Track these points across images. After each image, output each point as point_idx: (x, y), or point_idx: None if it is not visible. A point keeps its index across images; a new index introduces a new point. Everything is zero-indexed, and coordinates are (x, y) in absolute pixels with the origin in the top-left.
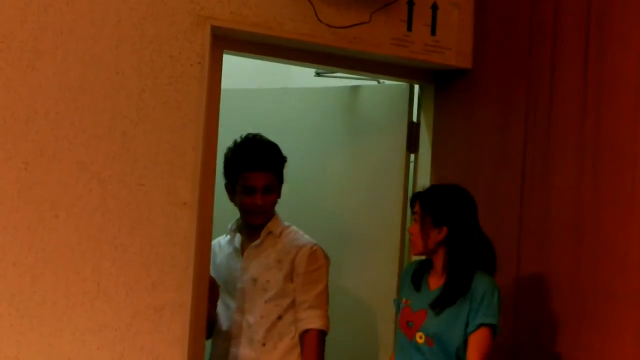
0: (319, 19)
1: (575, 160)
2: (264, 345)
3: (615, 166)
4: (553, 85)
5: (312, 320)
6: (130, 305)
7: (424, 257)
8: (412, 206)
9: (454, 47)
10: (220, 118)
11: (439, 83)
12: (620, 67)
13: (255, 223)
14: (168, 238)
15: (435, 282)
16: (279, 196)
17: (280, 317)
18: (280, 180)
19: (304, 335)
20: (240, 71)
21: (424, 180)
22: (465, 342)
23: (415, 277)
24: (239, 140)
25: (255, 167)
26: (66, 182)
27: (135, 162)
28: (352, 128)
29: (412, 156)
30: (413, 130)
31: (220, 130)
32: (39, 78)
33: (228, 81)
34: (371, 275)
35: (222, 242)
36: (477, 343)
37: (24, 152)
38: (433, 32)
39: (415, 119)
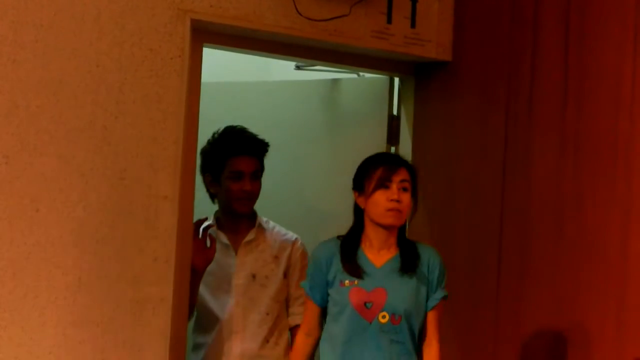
0: (298, 11)
1: (556, 151)
2: (267, 341)
3: (596, 157)
4: (533, 76)
5: None
6: (112, 298)
7: (334, 237)
8: (391, 171)
9: (433, 39)
10: (200, 111)
11: (419, 75)
12: (601, 57)
13: (242, 211)
14: (149, 231)
15: (379, 258)
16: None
17: (279, 315)
18: (263, 169)
19: (294, 329)
20: (220, 64)
21: None
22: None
23: (345, 257)
24: (220, 130)
25: (243, 152)
26: (47, 175)
27: (116, 156)
28: (332, 121)
29: (393, 149)
30: (393, 123)
31: (200, 123)
32: (19, 71)
33: (208, 74)
34: None
35: None
36: (439, 317)
37: (4, 145)
38: (413, 24)
39: (395, 112)
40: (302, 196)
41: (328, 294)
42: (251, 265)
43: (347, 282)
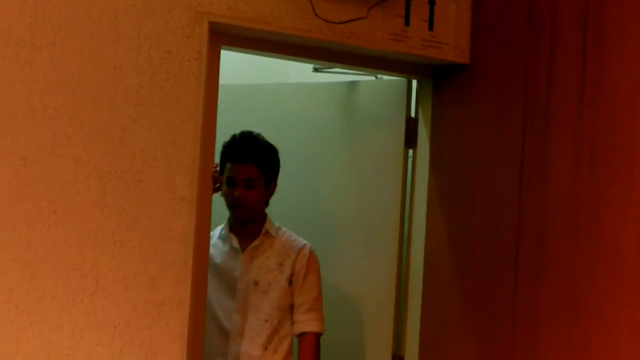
0: (316, 14)
1: (572, 155)
2: (265, 349)
3: (612, 161)
4: (550, 79)
5: (311, 323)
6: (129, 300)
7: None
8: None
9: (451, 41)
10: (218, 113)
11: (436, 78)
12: (618, 62)
13: (238, 217)
14: (166, 233)
15: None
16: (265, 195)
17: (280, 322)
18: (267, 179)
19: (301, 337)
20: (237, 66)
21: (422, 176)
22: None
23: None
24: (236, 134)
25: (239, 159)
26: (64, 177)
27: (134, 158)
28: (349, 123)
29: (410, 151)
30: (411, 125)
31: (218, 125)
32: (37, 74)
33: (226, 76)
34: (369, 272)
35: (213, 240)
36: None
37: (21, 147)
38: (430, 27)
39: (413, 114)
40: (318, 199)
41: None
42: (254, 272)
43: None
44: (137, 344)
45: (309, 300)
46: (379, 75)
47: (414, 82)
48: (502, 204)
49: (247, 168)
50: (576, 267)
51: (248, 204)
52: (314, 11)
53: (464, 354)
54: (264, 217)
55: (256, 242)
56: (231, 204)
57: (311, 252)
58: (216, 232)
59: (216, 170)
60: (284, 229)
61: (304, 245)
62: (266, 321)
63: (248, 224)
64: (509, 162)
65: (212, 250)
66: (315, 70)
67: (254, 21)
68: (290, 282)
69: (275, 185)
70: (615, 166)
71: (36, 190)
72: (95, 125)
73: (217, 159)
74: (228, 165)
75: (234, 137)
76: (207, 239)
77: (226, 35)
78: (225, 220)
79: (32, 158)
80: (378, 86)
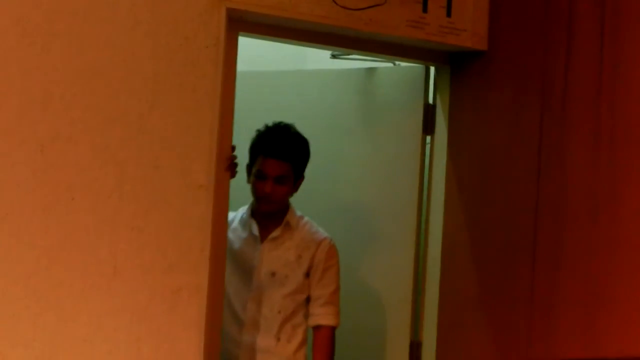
0: (334, 0)
1: (590, 142)
2: (278, 339)
3: (630, 148)
4: (568, 66)
5: (327, 317)
6: (147, 287)
7: None
8: None
9: (469, 28)
10: (235, 100)
11: (454, 64)
12: (636, 49)
13: (261, 209)
14: (184, 220)
15: None
16: (293, 190)
17: (294, 312)
18: (297, 174)
19: (316, 330)
20: (255, 53)
21: (440, 162)
22: None
23: None
24: (270, 124)
25: (272, 154)
26: (82, 164)
27: (151, 145)
28: (367, 110)
29: (428, 138)
30: (429, 112)
31: (236, 112)
32: (54, 61)
33: (243, 63)
34: (387, 258)
35: (234, 225)
36: None
37: (39, 134)
38: (448, 14)
39: (431, 101)
40: (336, 185)
41: None
42: (273, 263)
43: None
44: (154, 330)
45: (327, 293)
46: (396, 62)
47: (432, 69)
48: (520, 191)
49: (281, 165)
50: (594, 253)
51: (276, 200)
52: None
53: (482, 339)
54: (287, 206)
55: (276, 233)
56: (259, 196)
57: (331, 246)
58: (238, 215)
59: (234, 156)
60: (306, 219)
61: (324, 238)
62: (279, 312)
63: (271, 214)
64: (526, 149)
65: (231, 235)
66: (333, 56)
67: (271, 7)
68: (307, 275)
69: (303, 179)
70: (633, 152)
71: (54, 177)
72: (113, 112)
73: (234, 142)
74: (260, 158)
75: (268, 128)
76: (225, 225)
77: (244, 22)
78: (249, 204)
79: (50, 145)
80: (396, 73)
